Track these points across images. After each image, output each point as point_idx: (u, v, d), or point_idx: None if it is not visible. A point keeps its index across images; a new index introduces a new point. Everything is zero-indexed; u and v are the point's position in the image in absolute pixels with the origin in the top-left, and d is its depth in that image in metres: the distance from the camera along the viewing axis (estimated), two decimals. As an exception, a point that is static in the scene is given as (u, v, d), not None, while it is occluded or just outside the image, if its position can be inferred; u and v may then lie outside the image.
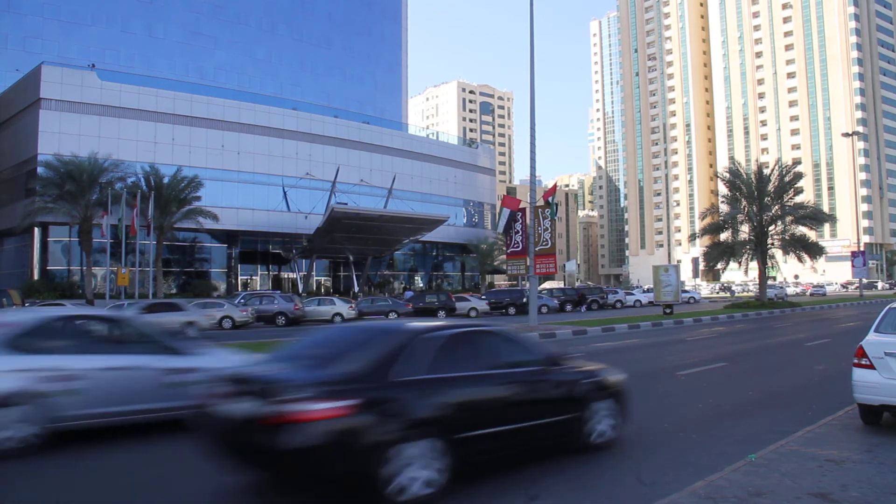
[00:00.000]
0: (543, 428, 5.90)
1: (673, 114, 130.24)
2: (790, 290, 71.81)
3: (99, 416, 6.79)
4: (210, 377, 5.68)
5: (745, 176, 37.87)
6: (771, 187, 36.40)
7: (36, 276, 40.28)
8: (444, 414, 5.05)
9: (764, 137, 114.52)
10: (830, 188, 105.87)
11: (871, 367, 6.72)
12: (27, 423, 6.30)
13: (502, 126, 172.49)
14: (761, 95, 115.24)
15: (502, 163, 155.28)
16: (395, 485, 4.63)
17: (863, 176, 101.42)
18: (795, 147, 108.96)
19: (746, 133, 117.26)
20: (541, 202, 25.69)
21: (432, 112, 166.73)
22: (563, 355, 6.71)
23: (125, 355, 7.35)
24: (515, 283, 52.49)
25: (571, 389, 6.25)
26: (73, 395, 6.58)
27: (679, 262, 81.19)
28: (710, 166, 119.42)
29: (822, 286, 69.24)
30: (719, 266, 43.02)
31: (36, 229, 40.27)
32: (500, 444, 5.52)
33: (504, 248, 33.09)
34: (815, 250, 37.07)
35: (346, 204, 45.20)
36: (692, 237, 46.49)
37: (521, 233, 25.52)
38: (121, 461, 6.34)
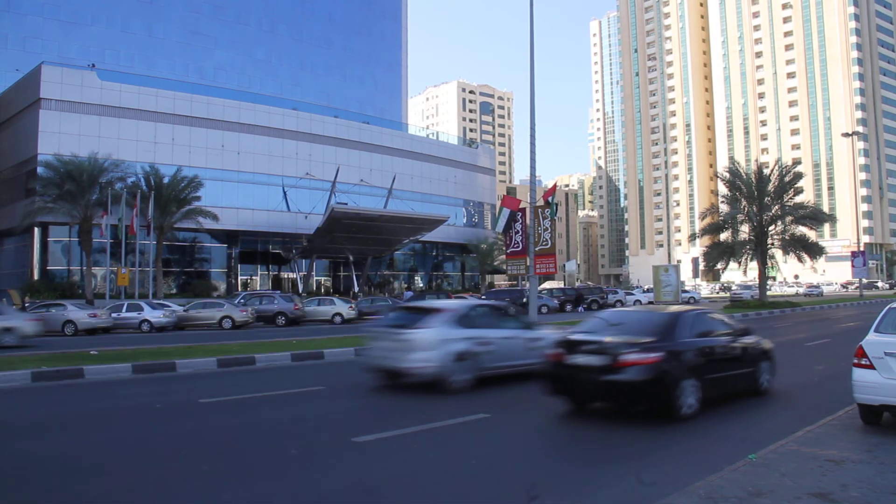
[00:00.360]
0: (739, 376, 8.87)
1: (673, 114, 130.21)
2: (787, 290, 71.81)
3: (499, 368, 10.60)
4: (548, 343, 9.05)
5: (745, 176, 37.81)
6: (771, 187, 36.35)
7: (36, 276, 40.27)
8: (699, 362, 7.98)
9: (764, 137, 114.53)
10: (830, 188, 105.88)
11: (871, 367, 6.71)
12: (468, 371, 10.06)
13: (502, 126, 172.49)
14: (761, 95, 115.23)
15: (502, 163, 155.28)
16: (685, 407, 7.60)
17: (863, 176, 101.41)
18: (795, 147, 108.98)
19: (746, 133, 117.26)
20: (541, 202, 25.68)
21: (432, 112, 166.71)
22: (748, 328, 9.66)
23: (509, 329, 11.18)
24: (515, 283, 52.41)
25: (752, 351, 9.18)
26: (489, 354, 10.37)
27: (679, 262, 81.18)
28: (710, 166, 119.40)
29: (818, 286, 68.88)
30: (719, 266, 42.98)
31: (36, 229, 40.25)
32: (722, 384, 8.44)
33: (504, 248, 33.03)
34: (815, 250, 37.01)
35: (346, 204, 45.17)
36: (692, 237, 46.45)
37: (521, 233, 25.51)
38: (508, 391, 10.15)
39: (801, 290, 68.00)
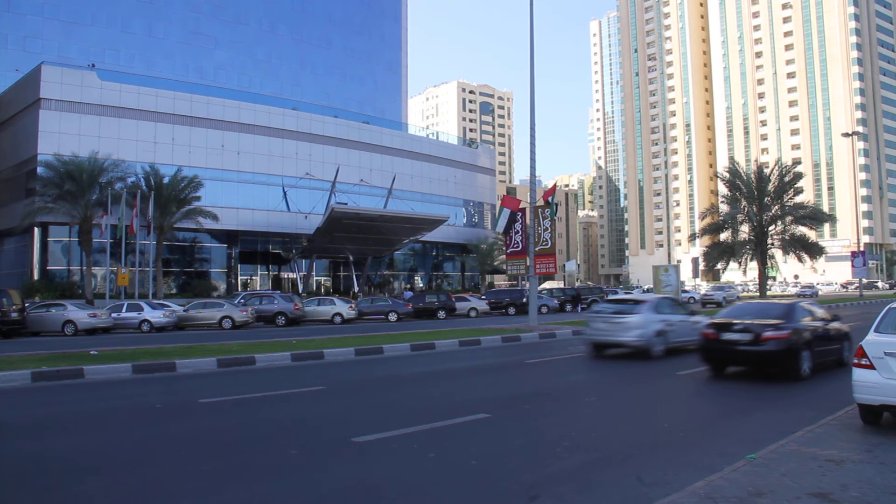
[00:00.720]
0: (832, 350, 11.45)
1: (673, 114, 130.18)
2: (788, 291, 71.54)
3: (678, 343, 14.41)
4: (703, 325, 11.98)
5: (744, 176, 37.86)
6: (771, 187, 36.38)
7: (36, 276, 40.24)
8: (810, 338, 10.71)
9: (764, 137, 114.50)
10: (830, 188, 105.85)
11: (871, 367, 6.72)
12: (662, 344, 14.00)
13: (502, 126, 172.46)
14: (761, 95, 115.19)
15: (502, 163, 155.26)
16: (805, 370, 10.47)
17: (863, 176, 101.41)
18: (795, 147, 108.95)
19: (746, 133, 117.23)
20: (541, 202, 25.69)
21: (432, 112, 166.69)
22: (837, 315, 12.42)
23: (681, 315, 15.21)
24: (515, 283, 52.42)
25: (839, 332, 11.80)
26: (672, 332, 14.30)
27: (679, 262, 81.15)
28: (710, 166, 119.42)
29: (812, 286, 68.33)
30: (719, 266, 43.04)
31: (36, 229, 40.23)
32: (823, 356, 11.07)
33: (504, 248, 33.03)
34: (814, 250, 37.05)
35: (346, 204, 45.14)
36: (692, 237, 46.51)
37: (521, 233, 25.53)
38: (681, 359, 13.48)
39: (794, 291, 67.56)
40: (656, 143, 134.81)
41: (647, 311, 14.21)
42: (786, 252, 37.31)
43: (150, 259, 39.71)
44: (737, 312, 11.69)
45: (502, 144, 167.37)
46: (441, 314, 34.37)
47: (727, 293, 47.53)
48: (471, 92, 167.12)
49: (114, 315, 26.18)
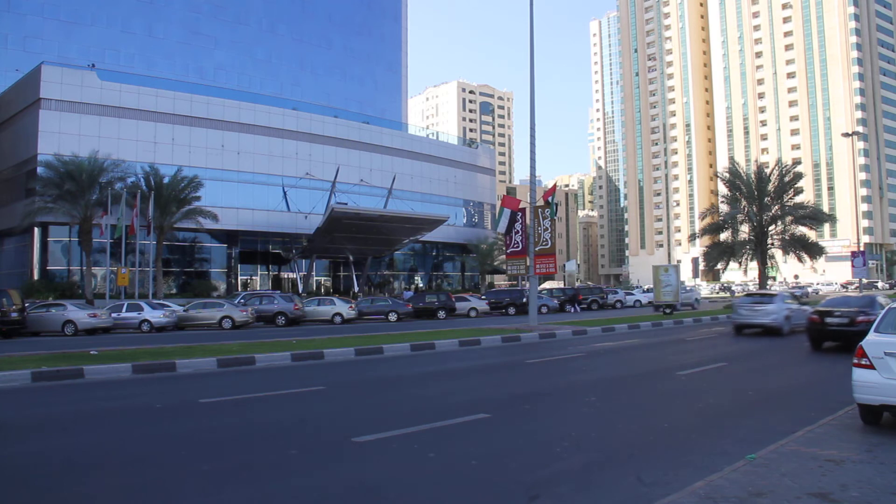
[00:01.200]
0: None
1: (673, 114, 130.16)
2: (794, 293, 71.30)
3: (795, 325, 18.58)
4: (809, 312, 16.31)
5: (744, 176, 37.80)
6: (771, 187, 36.34)
7: (36, 276, 40.22)
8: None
9: (764, 137, 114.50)
10: (830, 188, 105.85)
11: (871, 367, 6.73)
12: (788, 325, 18.79)
13: (502, 126, 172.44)
14: (761, 95, 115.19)
15: (502, 163, 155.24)
16: None
17: (863, 176, 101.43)
18: (795, 147, 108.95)
19: (746, 133, 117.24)
20: (541, 202, 25.70)
21: (432, 112, 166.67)
22: (881, 302, 15.00)
23: (796, 304, 20.27)
24: (515, 283, 52.43)
25: None
26: (794, 317, 19.02)
27: (679, 262, 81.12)
28: (710, 166, 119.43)
29: (803, 287, 68.02)
30: (719, 266, 42.97)
31: (36, 229, 40.22)
32: None
33: (504, 248, 33.02)
34: (814, 250, 37.00)
35: (346, 204, 45.12)
36: (692, 237, 46.44)
37: (521, 233, 25.54)
38: (798, 336, 17.59)
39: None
40: (656, 143, 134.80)
41: (779, 302, 19.46)
42: (786, 252, 37.28)
43: (150, 259, 39.70)
44: (831, 303, 15.64)
45: (502, 144, 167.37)
46: (441, 314, 34.36)
47: (685, 295, 47.30)
48: (471, 92, 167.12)
49: (114, 315, 26.18)
